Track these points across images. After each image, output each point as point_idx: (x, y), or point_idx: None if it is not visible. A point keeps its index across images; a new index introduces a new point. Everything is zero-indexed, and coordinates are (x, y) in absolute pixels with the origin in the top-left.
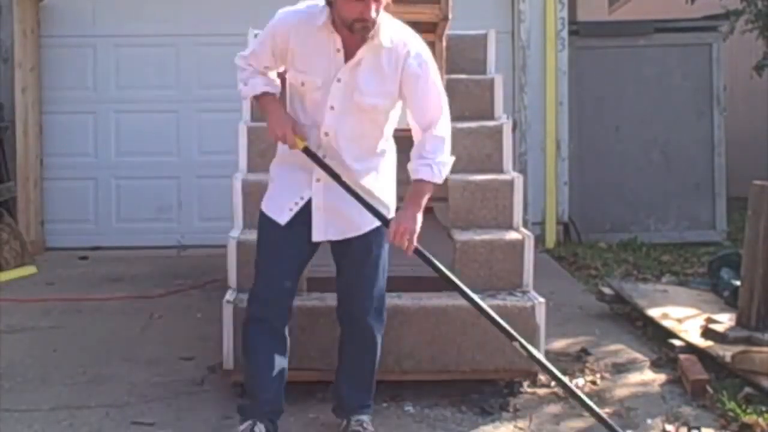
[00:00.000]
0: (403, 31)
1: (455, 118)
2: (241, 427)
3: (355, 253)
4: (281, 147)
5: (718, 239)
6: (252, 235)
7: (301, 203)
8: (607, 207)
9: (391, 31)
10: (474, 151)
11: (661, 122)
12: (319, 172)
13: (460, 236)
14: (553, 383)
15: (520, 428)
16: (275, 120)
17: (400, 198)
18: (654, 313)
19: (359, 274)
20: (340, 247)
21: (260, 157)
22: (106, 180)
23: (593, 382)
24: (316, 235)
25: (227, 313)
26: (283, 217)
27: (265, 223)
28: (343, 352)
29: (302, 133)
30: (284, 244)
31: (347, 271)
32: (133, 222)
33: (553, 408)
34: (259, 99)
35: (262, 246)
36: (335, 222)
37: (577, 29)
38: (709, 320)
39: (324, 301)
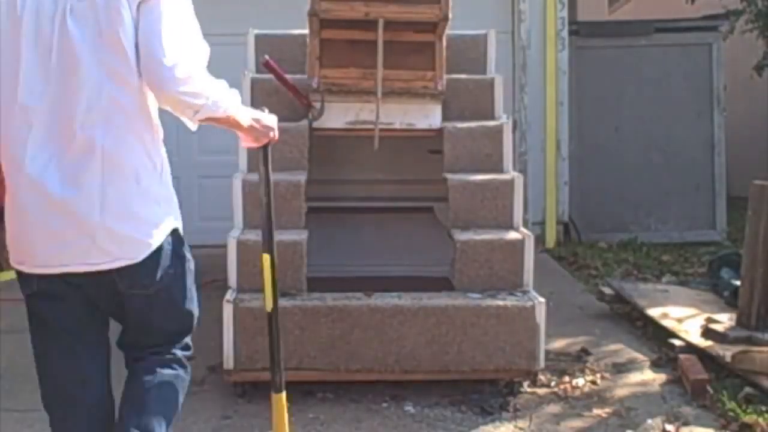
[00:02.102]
0: None
1: (455, 118)
2: None
3: None
4: None
5: (718, 239)
6: (252, 236)
7: None
8: (607, 207)
9: None
10: (474, 151)
11: (661, 122)
12: None
13: (460, 236)
14: (553, 383)
15: (520, 428)
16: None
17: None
18: (654, 313)
19: None
20: None
21: None
22: None
23: (593, 382)
24: None
25: (227, 313)
26: None
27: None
28: None
29: None
30: None
31: None
32: None
33: (553, 408)
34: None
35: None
36: None
37: (577, 29)
38: (709, 320)
39: (324, 301)
